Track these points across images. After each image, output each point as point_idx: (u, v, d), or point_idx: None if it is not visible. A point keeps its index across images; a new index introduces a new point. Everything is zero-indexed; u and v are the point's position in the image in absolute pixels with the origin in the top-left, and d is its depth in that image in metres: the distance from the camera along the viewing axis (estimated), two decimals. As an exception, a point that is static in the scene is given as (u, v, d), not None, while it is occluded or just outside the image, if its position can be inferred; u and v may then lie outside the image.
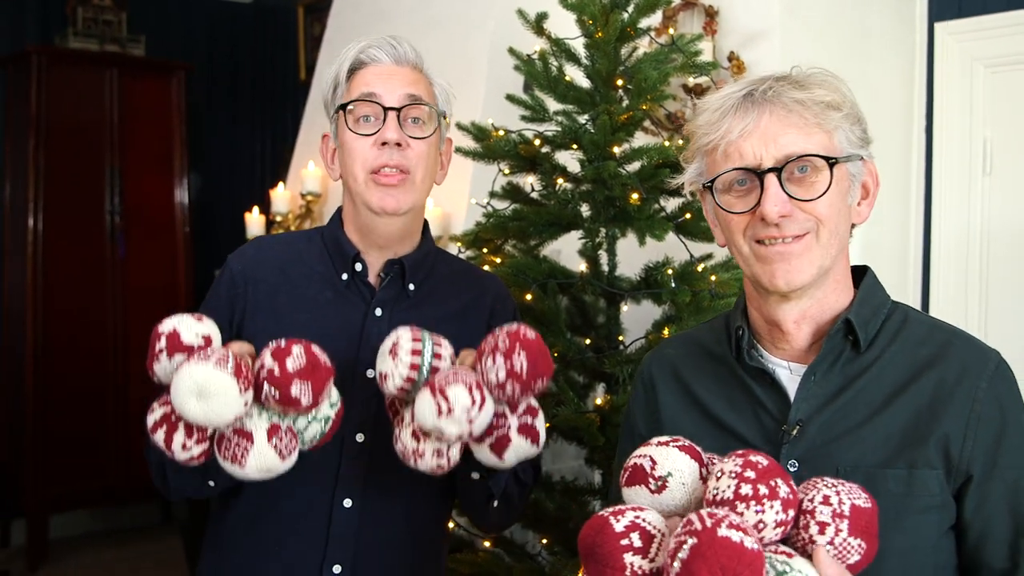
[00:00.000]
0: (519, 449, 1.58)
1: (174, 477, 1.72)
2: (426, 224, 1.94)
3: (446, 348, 1.58)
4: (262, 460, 1.51)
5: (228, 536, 1.85)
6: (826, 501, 1.16)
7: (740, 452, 1.19)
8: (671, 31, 3.14)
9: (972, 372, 1.39)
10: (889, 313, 1.47)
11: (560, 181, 2.41)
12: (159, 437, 1.51)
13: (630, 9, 2.45)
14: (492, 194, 2.63)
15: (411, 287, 1.84)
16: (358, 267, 1.82)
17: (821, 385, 1.42)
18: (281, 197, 4.53)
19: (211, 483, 1.69)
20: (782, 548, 1.15)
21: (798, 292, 1.40)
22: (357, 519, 1.76)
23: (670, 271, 2.28)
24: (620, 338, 2.40)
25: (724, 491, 1.16)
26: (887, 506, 1.33)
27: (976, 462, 1.36)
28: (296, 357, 1.48)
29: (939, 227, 3.40)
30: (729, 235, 1.44)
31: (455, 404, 1.46)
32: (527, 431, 1.58)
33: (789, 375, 1.45)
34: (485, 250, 2.45)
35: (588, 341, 2.44)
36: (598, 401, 2.33)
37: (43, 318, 5.25)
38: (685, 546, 1.07)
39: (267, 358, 1.49)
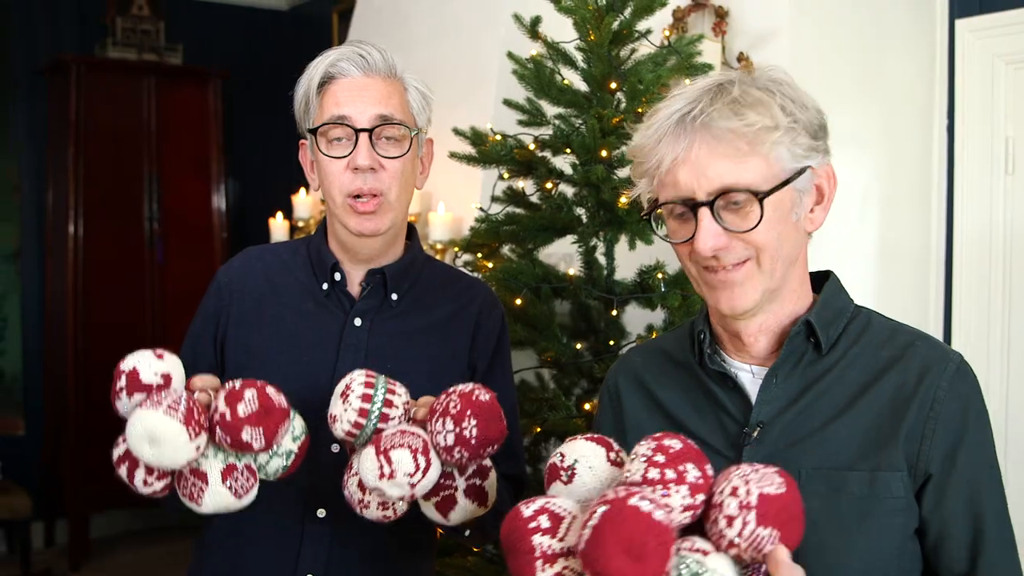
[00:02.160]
0: (464, 511, 1.56)
1: (168, 497, 1.75)
2: (413, 231, 1.93)
3: (400, 396, 1.56)
4: (217, 499, 1.52)
5: (213, 538, 1.87)
6: (734, 492, 1.14)
7: (657, 435, 1.18)
8: (680, 32, 3.14)
9: (933, 372, 1.37)
10: (852, 316, 1.46)
11: (556, 184, 2.40)
12: (123, 472, 1.54)
13: (627, 12, 2.44)
14: (494, 199, 2.63)
15: (394, 296, 1.83)
16: (337, 277, 1.82)
17: (783, 387, 1.40)
18: (303, 202, 4.57)
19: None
20: (699, 544, 1.14)
21: (745, 314, 1.38)
22: (330, 530, 1.77)
23: (660, 275, 2.27)
24: (611, 342, 2.39)
25: (634, 474, 1.16)
26: (851, 509, 1.33)
27: (935, 462, 1.34)
28: (248, 402, 1.48)
29: (961, 227, 3.34)
30: (679, 257, 1.43)
31: (397, 469, 1.44)
32: (474, 493, 1.56)
33: (751, 378, 1.44)
34: (480, 254, 2.45)
35: (580, 345, 2.43)
36: (587, 406, 2.32)
37: (83, 322, 5.38)
38: (596, 513, 1.08)
39: (220, 402, 1.49)
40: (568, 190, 2.49)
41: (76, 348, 5.34)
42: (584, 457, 1.24)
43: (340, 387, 1.54)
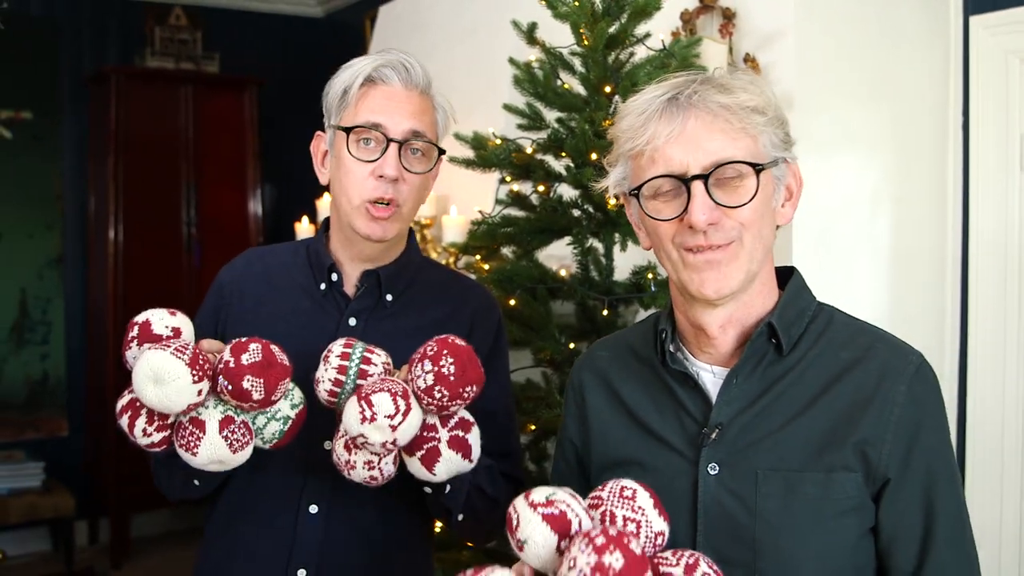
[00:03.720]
0: (450, 463, 1.59)
1: (165, 477, 1.81)
2: (411, 234, 1.98)
3: (379, 357, 1.62)
4: (212, 450, 1.57)
5: (211, 534, 1.93)
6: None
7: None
8: (689, 35, 3.16)
9: (892, 375, 1.38)
10: (814, 316, 1.47)
11: (548, 187, 2.44)
12: (124, 422, 1.60)
13: (624, 18, 2.47)
14: (499, 201, 2.68)
15: (388, 297, 1.88)
16: (334, 277, 1.87)
17: (743, 388, 1.42)
18: (326, 206, 4.64)
19: (196, 482, 1.77)
20: None
21: (725, 298, 1.40)
22: (323, 526, 1.81)
23: (651, 275, 2.30)
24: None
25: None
26: (805, 509, 1.35)
27: (893, 465, 1.36)
28: (252, 353, 1.55)
29: (977, 225, 3.31)
30: (657, 241, 1.43)
31: (378, 411, 1.49)
32: (458, 444, 1.60)
33: (713, 378, 1.45)
34: (478, 256, 2.50)
35: (573, 345, 2.46)
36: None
37: (124, 325, 5.47)
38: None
39: (226, 352, 1.57)
40: (567, 192, 2.53)
41: (117, 351, 5.46)
42: (534, 543, 1.19)
43: (323, 353, 1.62)
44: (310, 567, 1.80)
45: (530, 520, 1.18)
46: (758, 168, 1.36)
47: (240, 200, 5.96)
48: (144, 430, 1.59)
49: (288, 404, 1.64)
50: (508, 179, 2.61)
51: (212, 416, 1.58)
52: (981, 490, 3.28)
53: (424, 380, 1.53)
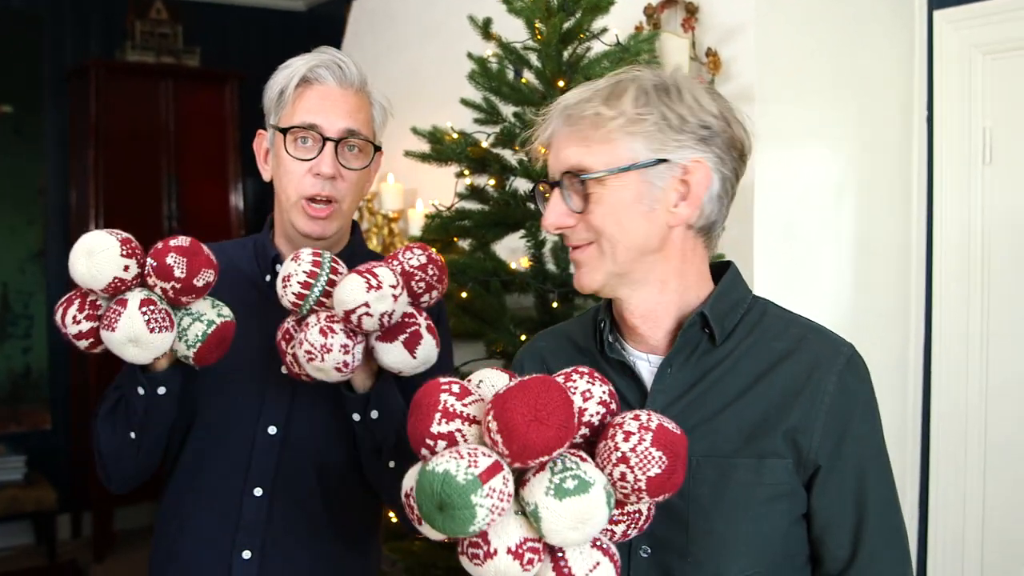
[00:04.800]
0: (428, 347, 1.70)
1: (105, 425, 1.84)
2: (356, 227, 2.02)
3: (343, 266, 1.70)
4: (129, 324, 1.60)
5: (160, 520, 1.97)
6: (636, 417, 1.22)
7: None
8: (653, 29, 3.18)
9: (823, 365, 1.41)
10: (748, 307, 1.49)
11: (499, 180, 2.46)
12: (58, 316, 1.66)
13: (578, 13, 2.49)
14: (459, 195, 2.70)
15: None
16: (279, 268, 1.91)
17: (677, 377, 1.44)
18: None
19: (131, 435, 1.80)
20: (581, 453, 1.22)
21: (603, 292, 1.45)
22: (267, 508, 1.84)
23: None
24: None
25: (558, 377, 1.26)
26: (737, 495, 1.38)
27: (823, 454, 1.38)
28: (180, 240, 1.63)
29: (941, 218, 3.34)
30: None
31: (383, 280, 1.60)
32: (432, 331, 1.72)
33: (649, 367, 1.48)
34: (434, 249, 2.52)
35: (525, 337, 2.48)
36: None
37: (105, 320, 5.50)
38: (521, 377, 1.19)
39: (159, 242, 1.65)
40: (523, 186, 2.55)
41: (98, 344, 5.48)
42: (488, 377, 1.32)
43: (289, 257, 1.70)
44: (255, 550, 1.84)
45: (481, 371, 1.36)
46: (581, 177, 1.38)
47: (221, 194, 5.98)
48: (74, 317, 1.65)
49: (212, 309, 1.71)
50: (466, 173, 2.63)
51: (135, 296, 1.63)
52: (945, 482, 3.31)
53: (417, 259, 1.69)
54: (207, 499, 1.87)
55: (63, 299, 1.67)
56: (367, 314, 1.60)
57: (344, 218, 1.89)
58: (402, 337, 1.68)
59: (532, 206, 2.51)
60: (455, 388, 1.24)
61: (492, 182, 2.48)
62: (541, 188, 1.48)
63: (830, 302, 3.22)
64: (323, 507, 1.89)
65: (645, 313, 1.46)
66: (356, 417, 1.78)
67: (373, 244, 4.11)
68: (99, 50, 6.00)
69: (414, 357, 1.69)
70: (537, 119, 1.48)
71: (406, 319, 1.69)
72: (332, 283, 1.67)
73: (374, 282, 1.59)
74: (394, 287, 1.61)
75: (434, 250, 1.71)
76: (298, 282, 1.66)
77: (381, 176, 4.16)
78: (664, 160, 1.40)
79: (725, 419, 1.41)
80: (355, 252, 1.97)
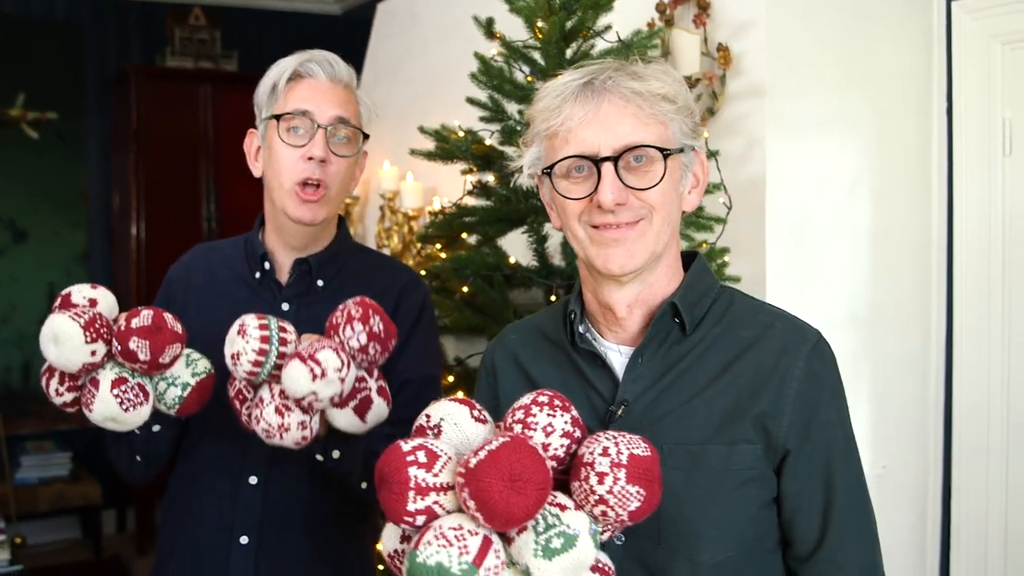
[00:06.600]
0: (378, 410, 1.73)
1: (115, 454, 1.96)
2: (342, 222, 2.09)
3: (290, 327, 1.71)
4: (104, 407, 1.68)
5: (166, 509, 2.07)
6: (605, 452, 1.23)
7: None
8: (666, 26, 3.19)
9: (790, 352, 1.43)
10: (716, 297, 1.52)
11: (500, 177, 2.49)
12: (43, 383, 1.74)
13: (580, 11, 2.51)
14: (468, 192, 2.74)
15: (320, 283, 1.99)
16: (267, 266, 1.98)
17: (648, 367, 1.47)
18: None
19: (138, 459, 1.93)
20: (559, 500, 1.24)
21: (630, 276, 1.44)
22: (262, 496, 1.93)
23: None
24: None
25: (517, 411, 1.29)
26: (708, 481, 1.41)
27: (792, 438, 1.41)
28: (142, 318, 1.67)
29: (961, 210, 3.30)
30: (565, 219, 1.48)
31: (327, 366, 1.60)
32: (383, 393, 1.74)
33: (620, 357, 1.51)
34: (438, 245, 2.57)
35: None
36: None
37: (148, 319, 5.62)
38: (494, 441, 1.20)
39: (121, 318, 1.69)
40: (527, 182, 2.58)
41: (140, 343, 5.59)
42: (449, 415, 1.33)
43: (234, 328, 1.68)
44: (252, 534, 1.92)
45: (440, 405, 1.36)
46: (666, 153, 1.40)
47: (259, 195, 5.99)
48: (57, 390, 1.72)
49: (188, 371, 1.75)
50: (474, 170, 2.66)
51: (106, 377, 1.68)
52: (968, 475, 3.27)
53: (358, 340, 1.66)
54: (206, 489, 1.98)
55: (45, 367, 1.73)
56: (316, 400, 1.62)
57: (332, 205, 1.95)
58: (352, 404, 1.71)
59: (536, 202, 2.54)
60: (421, 457, 1.24)
61: (493, 179, 2.50)
62: (565, 167, 1.43)
63: (846, 295, 3.20)
64: (315, 496, 1.97)
65: (632, 302, 1.48)
66: (319, 458, 1.84)
67: (394, 242, 4.17)
68: (139, 56, 6.14)
69: (364, 422, 1.73)
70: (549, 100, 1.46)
71: (357, 383, 1.71)
72: (284, 344, 1.67)
73: (318, 370, 1.59)
74: (339, 369, 1.61)
75: (376, 320, 1.68)
76: (249, 361, 1.66)
77: (400, 175, 4.23)
78: (693, 148, 1.46)
79: (695, 407, 1.43)
80: (341, 247, 2.04)
